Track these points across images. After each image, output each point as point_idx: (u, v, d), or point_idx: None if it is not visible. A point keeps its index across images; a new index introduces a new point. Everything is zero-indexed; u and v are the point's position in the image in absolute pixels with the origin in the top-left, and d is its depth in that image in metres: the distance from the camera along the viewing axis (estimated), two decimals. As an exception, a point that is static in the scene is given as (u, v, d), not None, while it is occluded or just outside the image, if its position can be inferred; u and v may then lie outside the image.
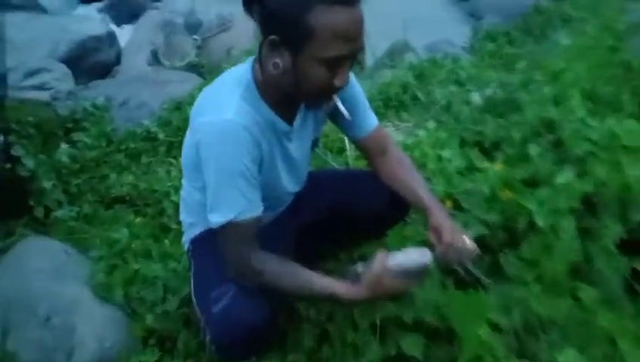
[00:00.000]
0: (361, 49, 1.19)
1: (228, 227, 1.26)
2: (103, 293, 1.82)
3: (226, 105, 1.22)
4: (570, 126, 1.96)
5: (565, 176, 1.76)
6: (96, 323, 1.69)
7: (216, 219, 1.26)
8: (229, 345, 1.31)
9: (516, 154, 2.08)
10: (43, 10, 6.77)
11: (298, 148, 1.42)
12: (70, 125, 3.08)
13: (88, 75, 4.49)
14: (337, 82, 1.18)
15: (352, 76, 1.41)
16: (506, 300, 1.57)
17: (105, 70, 4.74)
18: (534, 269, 1.68)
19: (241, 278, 1.29)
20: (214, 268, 1.33)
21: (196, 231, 1.51)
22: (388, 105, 3.16)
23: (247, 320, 1.26)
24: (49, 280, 1.74)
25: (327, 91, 1.20)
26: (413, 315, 1.51)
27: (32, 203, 2.26)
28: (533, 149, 1.97)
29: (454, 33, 5.19)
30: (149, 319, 1.74)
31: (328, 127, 2.80)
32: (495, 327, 1.46)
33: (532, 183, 1.88)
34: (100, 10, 7.91)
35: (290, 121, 1.35)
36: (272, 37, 1.15)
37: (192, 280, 1.49)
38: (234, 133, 1.20)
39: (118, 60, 4.98)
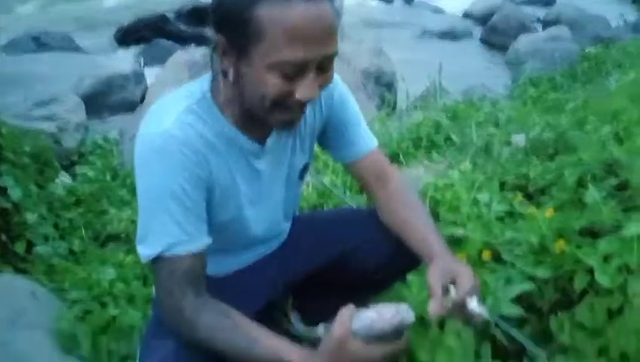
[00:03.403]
0: (331, 57, 0.94)
1: (158, 263, 0.99)
2: (67, 344, 1.53)
3: (165, 116, 0.99)
4: (638, 167, 1.62)
5: (636, 227, 1.41)
6: (51, 380, 1.40)
7: (144, 251, 1.00)
8: None
9: (570, 199, 1.74)
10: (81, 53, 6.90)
11: (274, 174, 1.15)
12: (75, 158, 2.89)
13: (111, 111, 4.40)
14: (299, 94, 0.93)
15: (343, 86, 1.20)
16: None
17: (129, 108, 4.66)
18: (596, 340, 1.36)
19: (175, 329, 1.02)
20: None
21: None
22: (418, 145, 2.88)
23: None
24: (1, 327, 1.45)
25: (287, 105, 0.95)
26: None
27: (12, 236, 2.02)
28: (592, 194, 1.62)
29: (492, 81, 4.96)
30: (118, 376, 1.48)
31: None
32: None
33: (592, 234, 1.55)
34: (138, 55, 8.10)
35: (261, 140, 1.09)
36: (219, 37, 0.94)
37: (144, 329, 1.23)
38: (166, 146, 0.96)
39: (143, 99, 4.90)
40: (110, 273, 1.96)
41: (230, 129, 1.04)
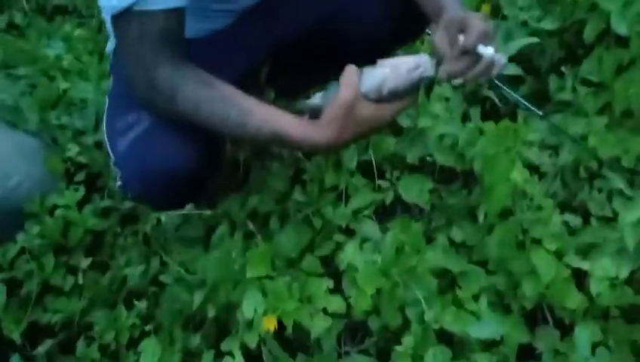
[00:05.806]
0: None
1: (125, 20, 0.76)
2: (12, 118, 1.38)
3: None
4: None
5: (668, -38, 1.18)
6: (-4, 155, 1.28)
7: (106, 2, 0.76)
8: (144, 194, 0.92)
9: None
10: None
11: None
12: None
13: None
14: None
15: None
16: (552, 134, 1.19)
17: None
18: (600, 96, 1.22)
19: (149, 104, 0.84)
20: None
21: None
22: None
23: (162, 163, 0.85)
24: None
25: None
26: (420, 153, 1.17)
27: None
28: None
29: None
30: (73, 151, 1.39)
31: None
32: (534, 170, 1.12)
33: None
34: None
35: None
36: None
37: (106, 103, 1.03)
38: None
39: None
40: (58, 46, 1.76)
41: None
